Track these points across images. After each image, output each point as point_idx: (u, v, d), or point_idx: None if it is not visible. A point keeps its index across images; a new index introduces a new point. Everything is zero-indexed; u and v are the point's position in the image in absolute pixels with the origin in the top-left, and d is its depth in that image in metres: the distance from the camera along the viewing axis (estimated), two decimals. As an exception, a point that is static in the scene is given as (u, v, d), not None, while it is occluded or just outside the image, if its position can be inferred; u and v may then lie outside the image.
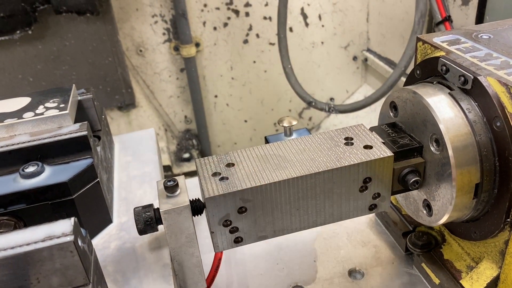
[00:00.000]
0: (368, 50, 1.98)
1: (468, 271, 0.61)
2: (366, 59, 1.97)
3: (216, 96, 1.93)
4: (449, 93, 0.54)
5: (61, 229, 0.41)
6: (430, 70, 0.60)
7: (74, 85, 0.65)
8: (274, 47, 1.83)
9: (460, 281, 0.60)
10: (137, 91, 1.83)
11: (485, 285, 0.57)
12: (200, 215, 0.55)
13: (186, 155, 1.97)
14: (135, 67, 1.79)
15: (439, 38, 0.63)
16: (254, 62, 1.89)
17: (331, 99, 2.08)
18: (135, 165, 0.73)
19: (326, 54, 1.97)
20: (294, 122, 0.89)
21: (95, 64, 1.67)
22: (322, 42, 1.94)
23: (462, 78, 0.53)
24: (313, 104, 1.60)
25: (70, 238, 0.40)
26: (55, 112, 0.58)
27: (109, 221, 0.61)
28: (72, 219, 0.42)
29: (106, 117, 0.76)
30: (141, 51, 1.77)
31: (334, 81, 2.04)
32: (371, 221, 0.78)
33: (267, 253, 0.74)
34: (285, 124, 0.88)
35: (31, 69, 1.61)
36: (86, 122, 0.59)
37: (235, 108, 1.98)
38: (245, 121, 2.03)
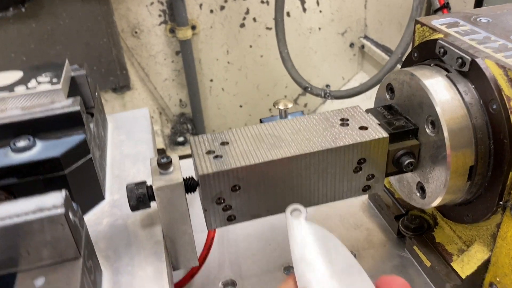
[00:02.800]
0: (365, 37, 1.97)
1: (460, 254, 0.61)
2: (363, 46, 1.96)
3: (211, 80, 1.92)
4: (446, 75, 0.54)
5: (52, 201, 0.40)
6: (427, 53, 0.60)
7: (67, 60, 0.64)
8: (271, 32, 1.81)
9: (451, 264, 0.61)
10: (132, 73, 1.81)
11: (475, 268, 0.58)
12: (193, 192, 0.55)
13: (181, 139, 1.96)
14: (130, 49, 1.77)
15: (438, 21, 0.62)
16: (251, 46, 1.88)
17: (327, 86, 2.07)
18: (128, 144, 0.73)
19: (323, 40, 1.95)
20: (290, 105, 0.88)
21: (89, 45, 1.65)
22: (320, 28, 1.92)
23: (460, 60, 0.53)
24: (309, 89, 1.59)
25: (61, 210, 0.40)
26: (47, 87, 0.57)
27: (101, 197, 0.61)
28: (63, 191, 0.41)
29: (99, 95, 0.75)
30: (136, 32, 1.75)
31: (331, 68, 2.03)
32: (364, 204, 0.78)
33: (260, 234, 0.74)
34: (281, 106, 0.87)
35: (24, 48, 1.59)
36: (79, 97, 0.58)
37: (231, 92, 1.97)
38: (240, 106, 2.02)
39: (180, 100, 1.94)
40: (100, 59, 1.68)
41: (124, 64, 1.75)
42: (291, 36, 1.78)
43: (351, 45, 1.99)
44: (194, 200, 0.77)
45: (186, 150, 1.96)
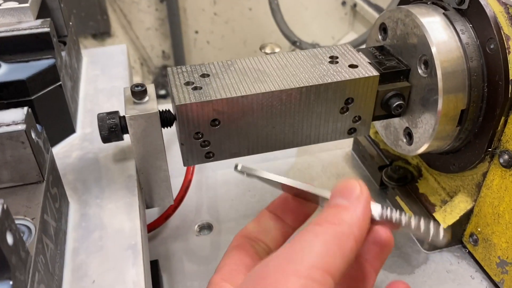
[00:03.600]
0: (358, -5, 1.91)
1: (443, 205, 0.60)
2: (355, 5, 1.90)
3: (196, 32, 1.86)
4: (443, 13, 0.51)
5: (12, 117, 0.37)
6: (425, -8, 0.56)
7: (37, -20, 0.59)
8: (261, -17, 1.74)
9: (433, 214, 0.59)
10: (113, 19, 1.74)
11: (458, 217, 0.57)
12: (170, 127, 0.51)
13: (162, 92, 1.90)
14: (113, -6, 1.69)
15: (438, -41, 0.58)
16: (239, -2, 1.81)
17: (316, 44, 2.02)
18: (103, 79, 0.69)
19: (314, -4, 1.89)
20: (277, 50, 0.84)
21: (69, -15, 1.56)
22: (311, -17, 1.86)
23: (460, -3, 0.50)
24: (298, 44, 1.55)
25: (22, 127, 0.36)
26: (13, 4, 0.53)
27: (71, 130, 0.57)
28: (25, 108, 0.38)
29: (74, 25, 0.70)
30: (119, -24, 1.66)
31: (321, 26, 1.98)
32: (347, 155, 0.76)
33: (239, 180, 0.71)
34: (267, 50, 0.83)
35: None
36: (49, 19, 0.53)
37: (216, 46, 1.91)
38: (226, 61, 1.96)
39: (163, 52, 1.87)
40: (80, 1, 1.60)
41: (106, 9, 1.67)
42: (281, -11, 1.71)
43: (343, 3, 1.94)
44: (172, 143, 0.74)
45: (167, 103, 1.91)
